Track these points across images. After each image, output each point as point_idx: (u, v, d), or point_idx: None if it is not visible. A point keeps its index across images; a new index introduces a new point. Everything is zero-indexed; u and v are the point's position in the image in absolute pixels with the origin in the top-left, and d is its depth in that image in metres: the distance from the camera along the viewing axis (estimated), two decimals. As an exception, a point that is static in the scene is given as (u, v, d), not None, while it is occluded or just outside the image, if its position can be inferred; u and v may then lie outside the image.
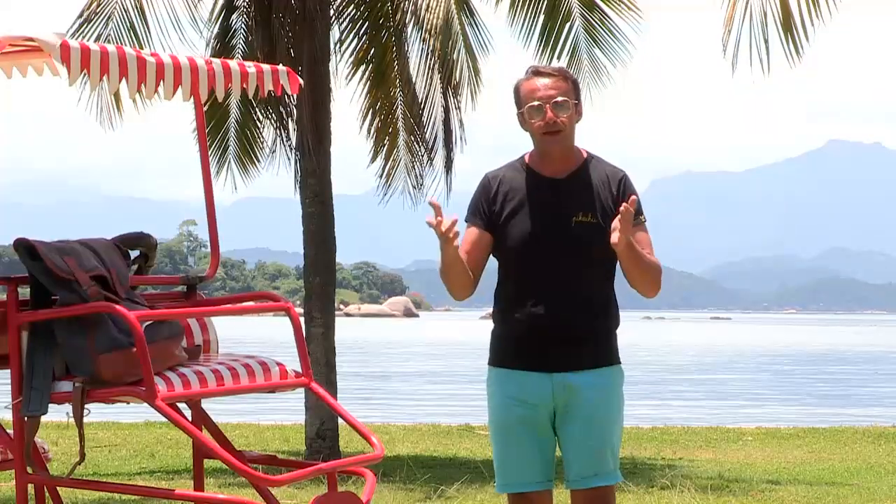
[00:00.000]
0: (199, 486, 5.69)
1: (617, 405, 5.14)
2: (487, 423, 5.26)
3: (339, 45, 12.89)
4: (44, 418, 5.12)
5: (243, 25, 13.12)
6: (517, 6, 12.89)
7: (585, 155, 5.18)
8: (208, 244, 5.87)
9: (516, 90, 5.14)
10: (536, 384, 5.05)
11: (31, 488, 5.33)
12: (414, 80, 12.94)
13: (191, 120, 12.19)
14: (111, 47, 5.10)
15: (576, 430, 5.06)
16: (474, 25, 13.06)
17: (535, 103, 5.05)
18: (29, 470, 5.16)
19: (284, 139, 12.99)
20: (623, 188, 5.12)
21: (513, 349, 5.10)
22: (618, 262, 5.09)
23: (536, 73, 5.12)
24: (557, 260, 5.02)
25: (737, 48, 10.95)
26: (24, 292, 5.18)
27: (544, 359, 5.04)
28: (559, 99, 5.04)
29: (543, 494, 5.13)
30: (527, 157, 5.19)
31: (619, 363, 5.17)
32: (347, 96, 13.12)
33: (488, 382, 5.18)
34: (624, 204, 4.91)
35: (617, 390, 5.14)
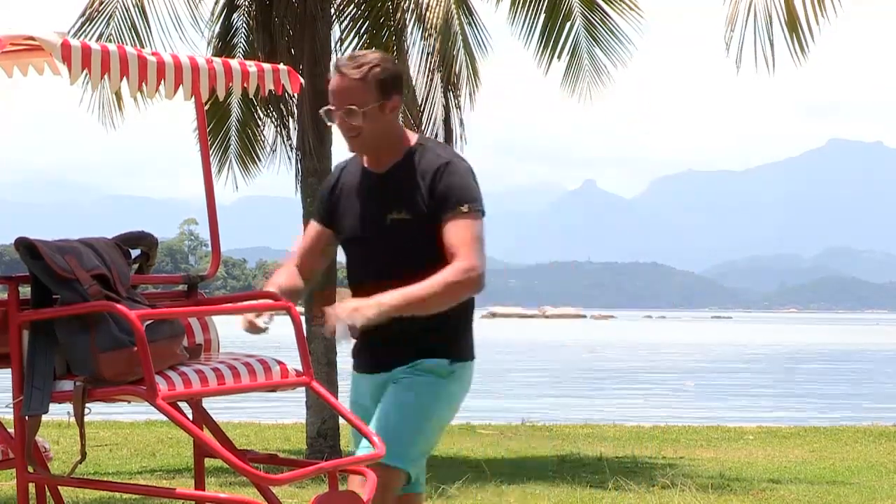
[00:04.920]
0: (199, 485, 5.68)
1: (420, 396, 4.83)
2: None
3: (339, 44, 12.90)
4: (45, 417, 5.12)
5: (244, 24, 13.14)
6: (518, 5, 12.90)
7: (412, 145, 4.84)
8: (209, 243, 5.87)
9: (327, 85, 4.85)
10: (364, 386, 4.96)
11: (32, 487, 5.33)
12: (414, 79, 12.94)
13: (192, 119, 12.20)
14: (112, 46, 5.09)
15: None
16: (473, 25, 13.07)
17: (326, 107, 4.81)
18: (30, 469, 5.16)
19: (285, 138, 13.01)
20: (438, 180, 4.74)
21: (354, 349, 4.98)
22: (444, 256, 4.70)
23: (336, 68, 4.78)
24: (377, 258, 4.85)
25: (741, 47, 10.95)
26: (25, 291, 5.18)
27: (367, 361, 4.94)
28: (347, 107, 4.74)
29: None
30: None
31: (445, 358, 4.84)
32: (348, 95, 13.11)
33: None
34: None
35: (424, 381, 4.81)
